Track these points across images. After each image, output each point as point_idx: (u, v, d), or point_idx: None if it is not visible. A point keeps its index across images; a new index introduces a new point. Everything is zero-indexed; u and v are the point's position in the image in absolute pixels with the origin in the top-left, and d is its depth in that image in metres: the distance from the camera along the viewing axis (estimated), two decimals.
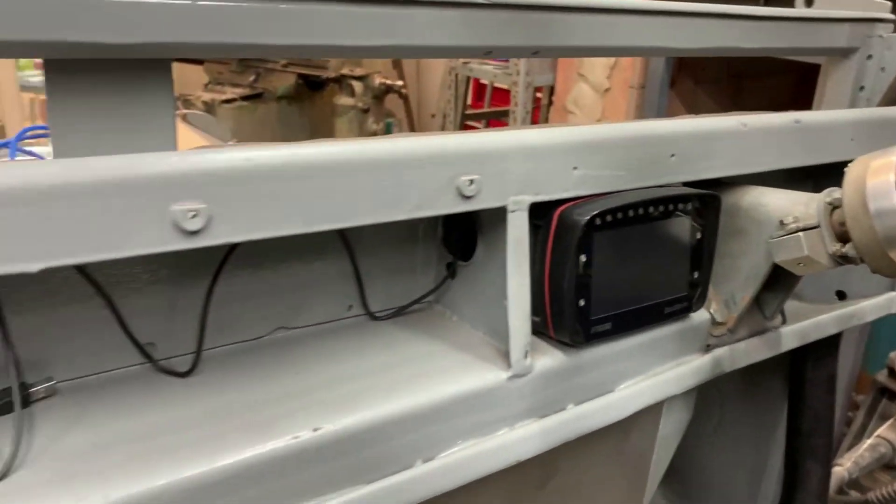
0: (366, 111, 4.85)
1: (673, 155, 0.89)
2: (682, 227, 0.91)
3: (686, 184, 0.93)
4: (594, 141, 0.81)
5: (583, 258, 0.80)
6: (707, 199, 0.93)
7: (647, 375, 0.93)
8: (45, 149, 1.40)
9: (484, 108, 4.71)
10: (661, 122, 0.91)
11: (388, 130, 4.94)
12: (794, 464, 1.49)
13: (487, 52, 0.88)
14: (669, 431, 1.01)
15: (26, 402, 0.66)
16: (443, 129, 4.45)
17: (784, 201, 0.94)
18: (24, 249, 0.53)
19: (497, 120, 4.62)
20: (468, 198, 0.73)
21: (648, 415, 0.96)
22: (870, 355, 2.59)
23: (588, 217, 0.79)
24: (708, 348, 1.01)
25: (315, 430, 0.68)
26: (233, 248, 0.76)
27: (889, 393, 2.32)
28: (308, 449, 0.68)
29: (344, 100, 4.82)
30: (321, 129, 4.74)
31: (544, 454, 0.84)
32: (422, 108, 5.31)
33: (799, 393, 1.44)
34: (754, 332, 1.06)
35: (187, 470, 0.62)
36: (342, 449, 0.70)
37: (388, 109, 5.08)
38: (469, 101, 4.59)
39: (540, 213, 0.81)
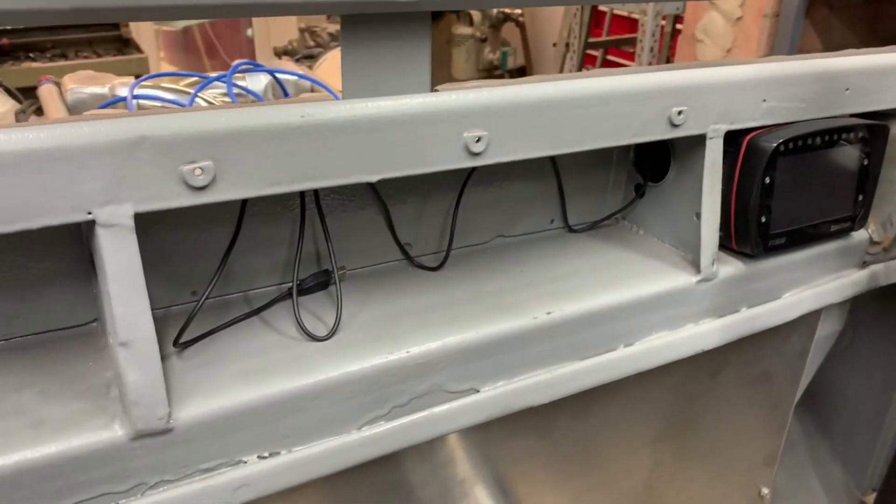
0: (483, 40, 4.93)
1: (847, 89, 0.99)
2: (852, 154, 1.02)
3: (855, 115, 1.03)
4: (782, 76, 0.92)
5: (767, 180, 0.93)
6: (876, 129, 1.03)
7: (811, 285, 1.06)
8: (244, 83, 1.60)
9: (602, 36, 4.70)
10: (837, 59, 1.00)
11: (504, 60, 5.02)
12: None
13: None
14: (824, 336, 1.14)
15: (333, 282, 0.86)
16: (564, 58, 4.48)
17: None
18: (365, 165, 0.70)
19: (618, 49, 4.61)
20: (676, 126, 0.87)
21: (808, 320, 1.09)
22: None
23: (775, 144, 0.91)
24: (864, 264, 1.12)
25: (548, 313, 0.86)
26: (473, 169, 0.93)
27: None
28: (542, 327, 0.85)
29: (462, 29, 4.91)
30: (438, 59, 4.87)
31: (719, 348, 0.99)
32: (538, 36, 5.33)
33: None
34: None
35: (459, 335, 0.80)
36: (566, 330, 0.87)
37: (503, 39, 5.14)
38: None
39: (730, 140, 0.93)
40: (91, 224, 0.60)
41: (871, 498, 1.76)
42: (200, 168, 0.62)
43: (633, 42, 4.03)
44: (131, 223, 0.61)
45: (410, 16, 0.75)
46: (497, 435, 0.92)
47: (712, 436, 1.14)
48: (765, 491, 1.24)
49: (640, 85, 0.84)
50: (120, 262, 0.61)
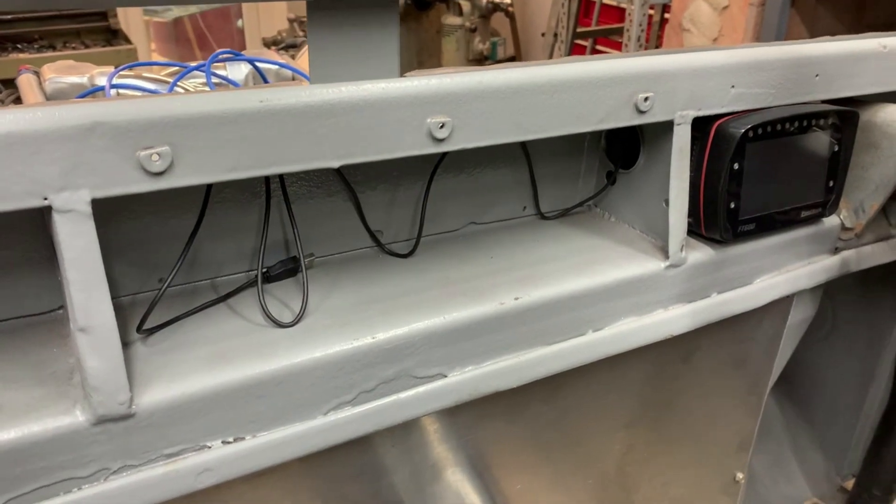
0: (473, 31, 4.92)
1: (817, 75, 1.00)
2: (822, 140, 1.02)
3: (826, 101, 1.04)
4: (751, 62, 0.93)
5: (736, 166, 0.94)
6: (846, 115, 1.03)
7: (782, 271, 1.07)
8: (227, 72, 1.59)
9: (591, 26, 4.70)
10: (808, 45, 1.01)
11: (494, 50, 5.01)
12: None
13: None
14: (796, 322, 1.15)
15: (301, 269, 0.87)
16: (553, 47, 4.48)
17: None
18: (327, 151, 0.71)
19: (606, 38, 4.61)
20: (643, 112, 0.87)
21: (780, 306, 1.10)
22: None
23: (743, 130, 0.92)
24: (836, 250, 1.13)
25: (516, 298, 0.86)
26: (444, 155, 0.93)
27: None
28: (510, 313, 0.86)
29: (451, 19, 4.90)
30: (427, 49, 4.86)
31: (690, 333, 1.00)
32: (527, 26, 5.32)
33: None
34: (880, 237, 1.17)
35: (426, 321, 0.81)
36: (534, 315, 0.87)
37: (493, 29, 5.13)
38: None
39: (698, 126, 0.94)
40: (48, 210, 0.61)
41: (851, 483, 1.78)
42: (157, 153, 0.62)
43: (620, 32, 4.03)
44: (88, 209, 0.61)
45: (378, 1, 0.75)
46: (467, 419, 0.93)
47: (686, 421, 1.15)
48: (739, 476, 1.25)
49: (605, 71, 0.84)
50: (78, 248, 0.61)
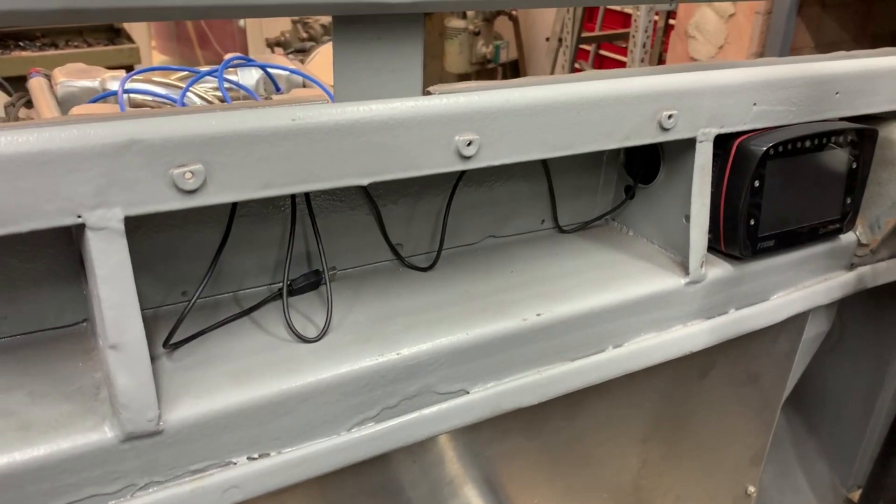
0: (476, 34, 4.92)
1: (837, 93, 1.00)
2: (841, 157, 1.03)
3: (844, 118, 1.04)
4: (773, 80, 0.93)
5: (756, 183, 0.94)
6: (864, 132, 1.04)
7: (799, 287, 1.07)
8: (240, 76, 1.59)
9: (595, 31, 4.70)
10: (828, 63, 1.01)
11: (497, 53, 5.01)
12: None
13: None
14: (811, 336, 1.15)
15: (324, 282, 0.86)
16: (557, 52, 4.48)
17: None
18: (356, 168, 0.70)
19: (611, 43, 4.61)
20: (666, 130, 0.87)
21: (796, 321, 1.10)
22: None
23: (765, 148, 0.92)
24: (852, 266, 1.13)
25: (538, 314, 0.86)
26: (463, 172, 0.93)
27: None
28: (532, 329, 0.85)
29: (455, 22, 4.90)
30: (430, 52, 4.85)
31: (708, 349, 1.00)
32: (530, 30, 5.32)
33: None
34: (894, 253, 1.17)
35: (450, 337, 0.81)
36: (556, 331, 0.87)
37: (496, 32, 5.14)
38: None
39: (719, 143, 0.94)
40: (81, 227, 0.60)
41: (857, 495, 1.78)
42: (191, 171, 0.62)
43: (625, 37, 4.03)
44: (121, 227, 0.61)
45: (402, 17, 0.75)
46: (487, 435, 0.92)
47: (700, 435, 1.15)
48: (751, 489, 1.25)
49: (632, 89, 0.84)
50: (110, 265, 0.61)
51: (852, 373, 1.77)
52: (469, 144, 0.75)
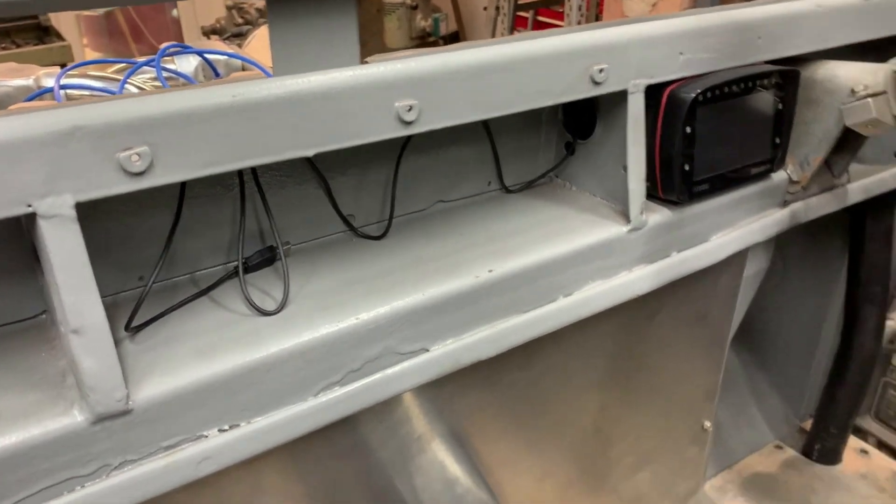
0: (414, 8, 4.91)
1: (759, 37, 1.04)
2: (767, 99, 1.07)
3: (768, 62, 1.09)
4: (697, 28, 0.97)
5: (688, 129, 0.98)
6: (788, 74, 1.09)
7: (736, 227, 1.12)
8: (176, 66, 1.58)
9: None
10: (749, 9, 1.05)
11: (436, 26, 5.00)
12: (853, 310, 1.68)
13: None
14: (751, 274, 1.21)
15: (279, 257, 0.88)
16: (496, 21, 4.49)
17: (854, 72, 1.09)
18: (300, 140, 0.72)
19: (548, 9, 4.64)
20: (598, 84, 0.91)
21: (736, 260, 1.16)
22: None
23: (693, 94, 0.96)
24: (785, 203, 1.19)
25: (490, 271, 0.89)
26: (409, 137, 0.95)
27: None
28: (485, 285, 0.89)
29: None
30: (369, 29, 4.82)
31: (654, 292, 1.05)
32: (469, 1, 5.32)
33: (859, 246, 1.62)
34: (824, 188, 1.24)
35: (406, 299, 0.83)
36: (508, 286, 0.91)
37: (434, 5, 5.12)
38: None
39: (650, 94, 0.98)
40: (32, 216, 0.61)
41: (809, 424, 1.88)
42: (137, 154, 0.63)
43: (562, 2, 4.06)
44: (73, 213, 0.62)
45: None
46: (449, 390, 0.96)
47: (654, 376, 1.20)
48: (707, 424, 1.31)
49: (563, 46, 0.87)
50: (65, 252, 0.62)
51: (797, 308, 1.85)
52: (409, 110, 0.77)
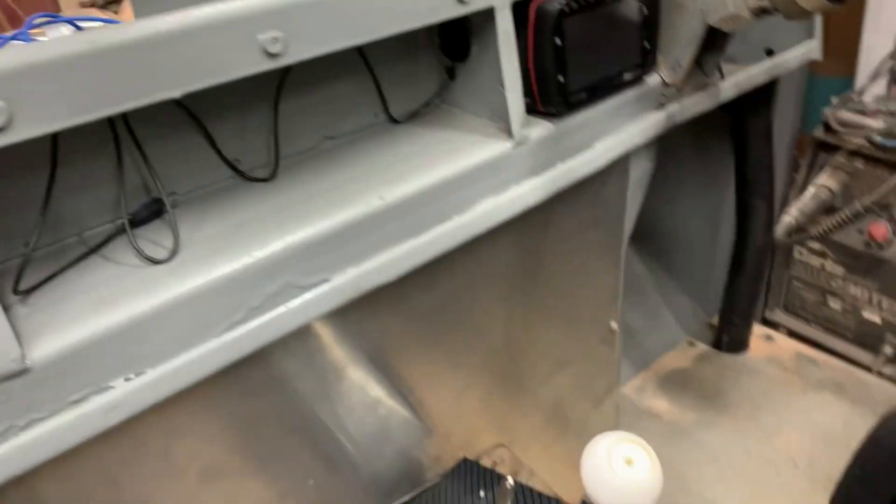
0: None
1: None
2: (632, 6, 1.11)
3: None
4: None
5: (558, 41, 1.01)
6: None
7: (617, 132, 1.17)
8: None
9: None
10: None
11: None
12: (744, 204, 1.78)
13: None
14: (638, 176, 1.27)
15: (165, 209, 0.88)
16: None
17: None
18: (163, 82, 0.72)
19: None
20: (464, 2, 0.93)
21: (620, 164, 1.21)
22: (808, 118, 2.86)
23: (560, 7, 0.99)
24: (661, 105, 1.24)
25: (381, 198, 0.91)
26: (286, 73, 0.95)
27: (825, 146, 2.58)
28: (378, 212, 0.91)
29: None
30: None
31: (545, 203, 1.09)
32: None
33: (743, 144, 1.71)
34: (697, 88, 1.30)
35: (299, 233, 0.85)
36: (401, 211, 0.93)
37: None
38: None
39: (519, 10, 1.00)
40: None
41: (716, 318, 2.00)
42: None
43: None
44: None
45: None
46: (357, 317, 0.99)
47: (558, 283, 1.26)
48: (614, 325, 1.38)
49: None
50: None
51: (695, 211, 1.95)
52: (274, 42, 0.78)
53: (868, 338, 2.32)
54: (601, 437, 0.77)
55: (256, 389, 0.91)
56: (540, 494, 0.90)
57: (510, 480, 0.85)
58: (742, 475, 1.52)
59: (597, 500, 0.76)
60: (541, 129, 1.06)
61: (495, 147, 1.02)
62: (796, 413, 1.69)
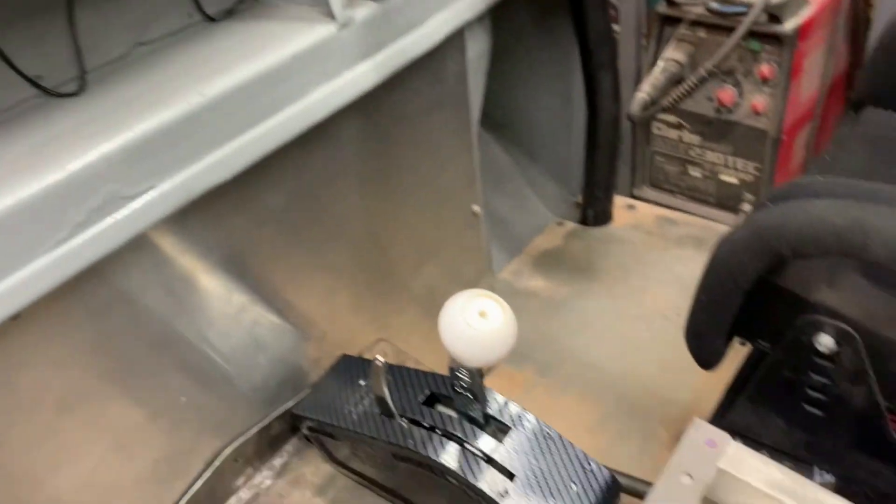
0: None
1: None
2: None
3: None
4: None
5: None
6: None
7: (447, 8, 1.15)
8: None
9: None
10: None
11: None
12: (590, 79, 1.82)
13: None
14: (476, 55, 1.26)
15: None
16: None
17: None
18: None
19: None
20: None
21: (455, 42, 1.20)
22: None
23: None
24: None
25: (201, 94, 0.87)
26: None
27: (669, 20, 2.65)
28: (201, 109, 0.86)
29: None
30: None
31: (385, 86, 1.07)
32: None
33: (581, 18, 1.73)
34: None
35: (115, 139, 0.80)
36: (227, 106, 0.89)
37: None
38: None
39: None
40: None
41: (581, 197, 2.06)
42: None
43: None
44: None
45: None
46: (199, 223, 0.95)
47: (410, 169, 1.26)
48: (476, 208, 1.40)
49: None
50: None
51: (547, 93, 1.97)
52: None
53: (729, 199, 2.47)
54: (456, 296, 0.79)
55: (102, 309, 0.87)
56: (408, 369, 0.92)
57: (379, 359, 0.86)
58: (617, 334, 1.61)
59: (456, 356, 0.78)
60: (365, 9, 1.03)
61: (319, 31, 0.99)
62: (662, 270, 1.79)
